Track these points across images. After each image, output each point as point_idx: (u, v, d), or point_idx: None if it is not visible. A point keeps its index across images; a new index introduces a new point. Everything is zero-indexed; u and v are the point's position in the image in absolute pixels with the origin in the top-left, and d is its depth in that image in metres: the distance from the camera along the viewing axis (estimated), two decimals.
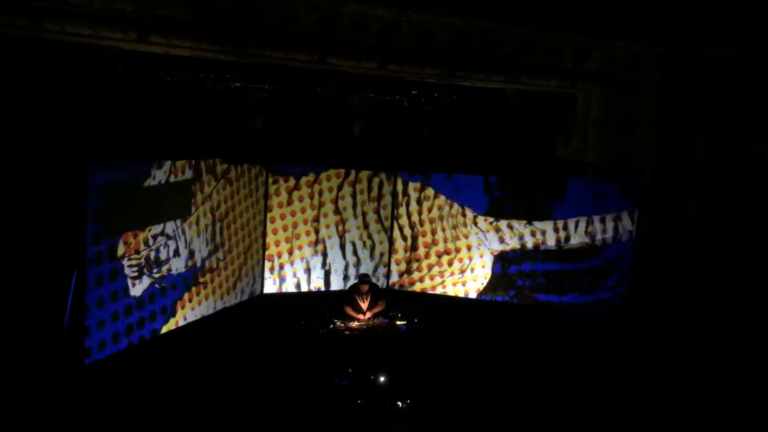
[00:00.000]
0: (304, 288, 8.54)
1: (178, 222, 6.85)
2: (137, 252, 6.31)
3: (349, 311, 7.71)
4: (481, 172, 8.48)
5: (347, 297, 7.93)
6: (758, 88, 7.59)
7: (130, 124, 6.88)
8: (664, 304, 8.14)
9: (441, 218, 8.69)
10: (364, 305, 7.77)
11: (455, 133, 8.91)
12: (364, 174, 8.59)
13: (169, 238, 6.72)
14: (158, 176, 6.50)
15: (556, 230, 8.36)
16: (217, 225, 7.48)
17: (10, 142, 6.19)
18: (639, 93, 8.35)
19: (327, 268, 8.63)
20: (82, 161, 5.61)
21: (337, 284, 8.67)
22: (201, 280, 7.30)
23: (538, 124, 8.99)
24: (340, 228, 8.61)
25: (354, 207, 8.64)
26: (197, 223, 7.15)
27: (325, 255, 8.60)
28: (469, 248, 8.65)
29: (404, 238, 8.81)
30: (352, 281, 8.55)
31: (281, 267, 8.42)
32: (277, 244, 8.37)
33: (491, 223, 8.53)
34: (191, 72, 7.35)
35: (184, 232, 6.95)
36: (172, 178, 6.70)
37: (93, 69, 6.84)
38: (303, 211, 8.44)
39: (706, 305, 7.88)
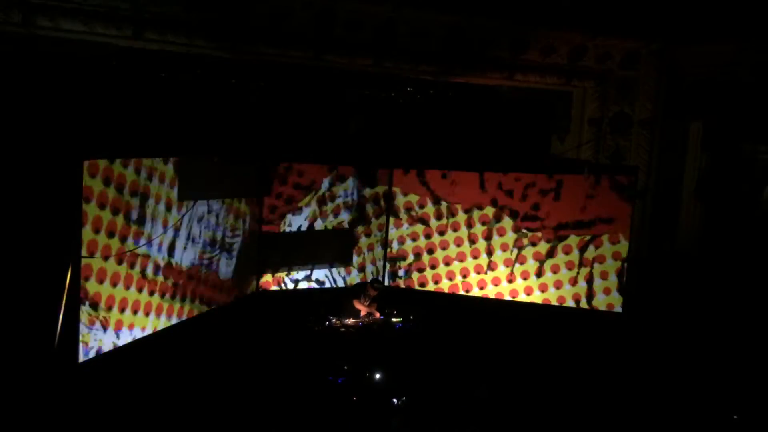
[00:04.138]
0: None
1: None
2: None
3: (357, 304, 7.74)
4: (476, 168, 8.49)
5: (353, 293, 7.96)
6: (749, 85, 7.62)
7: (125, 120, 6.86)
8: (660, 299, 8.16)
9: None
10: (365, 304, 7.80)
11: (451, 130, 8.91)
12: None
13: None
14: None
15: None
16: None
17: (5, 138, 6.18)
18: (634, 90, 8.36)
19: None
20: (77, 156, 5.60)
21: None
22: None
23: (534, 122, 9.01)
24: None
25: None
26: None
27: None
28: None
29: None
30: None
31: None
32: None
33: None
34: (186, 69, 7.34)
35: None
36: None
37: (88, 65, 6.83)
38: None
39: (701, 300, 7.91)
